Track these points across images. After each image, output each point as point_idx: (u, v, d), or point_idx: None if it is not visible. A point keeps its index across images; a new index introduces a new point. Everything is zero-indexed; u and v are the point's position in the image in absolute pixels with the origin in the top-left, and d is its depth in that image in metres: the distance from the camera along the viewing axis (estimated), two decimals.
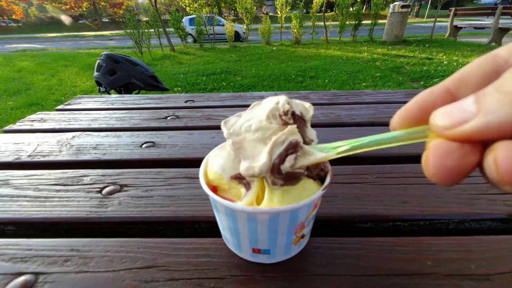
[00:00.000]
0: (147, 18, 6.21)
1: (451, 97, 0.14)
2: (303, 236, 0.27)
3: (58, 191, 0.39)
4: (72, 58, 5.88)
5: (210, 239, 0.30)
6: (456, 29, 6.75)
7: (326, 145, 0.21)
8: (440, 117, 0.13)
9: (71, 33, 15.31)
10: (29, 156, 0.49)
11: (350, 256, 0.28)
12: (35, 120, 0.66)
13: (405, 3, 6.18)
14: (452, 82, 0.14)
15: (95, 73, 1.97)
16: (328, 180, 0.24)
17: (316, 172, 0.24)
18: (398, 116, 0.16)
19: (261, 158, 0.21)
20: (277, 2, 6.60)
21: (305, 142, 0.22)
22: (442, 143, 0.13)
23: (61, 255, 0.29)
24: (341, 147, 0.20)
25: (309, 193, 0.23)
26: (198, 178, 0.25)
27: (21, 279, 0.26)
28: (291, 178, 0.22)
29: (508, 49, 0.14)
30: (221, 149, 0.28)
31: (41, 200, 0.37)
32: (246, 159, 0.22)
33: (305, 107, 0.25)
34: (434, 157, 0.13)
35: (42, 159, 0.48)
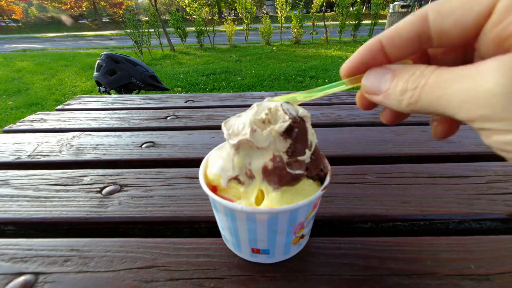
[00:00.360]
0: (147, 18, 6.21)
1: (382, 55, 0.18)
2: (302, 236, 0.27)
3: (58, 191, 0.39)
4: (72, 58, 5.88)
5: (210, 239, 0.30)
6: None
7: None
8: (366, 84, 0.19)
9: (71, 33, 15.31)
10: (29, 156, 0.49)
11: (350, 256, 0.28)
12: (35, 120, 0.66)
13: (405, 3, 6.17)
14: (386, 39, 0.18)
15: (95, 73, 1.96)
16: (327, 180, 0.24)
17: (316, 172, 0.24)
18: (345, 68, 0.20)
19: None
20: (277, 2, 6.60)
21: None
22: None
23: (61, 255, 0.29)
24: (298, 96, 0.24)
25: (308, 194, 0.23)
26: (198, 178, 0.26)
27: (21, 279, 0.26)
28: (289, 180, 0.22)
29: (436, 10, 0.15)
30: (220, 149, 0.27)
31: (41, 200, 0.37)
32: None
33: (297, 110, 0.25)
34: (359, 97, 0.22)
35: (42, 159, 0.48)
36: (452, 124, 0.20)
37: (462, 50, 0.19)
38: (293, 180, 0.22)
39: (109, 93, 1.93)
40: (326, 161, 0.26)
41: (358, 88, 0.21)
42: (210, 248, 0.29)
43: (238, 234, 0.25)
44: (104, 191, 0.38)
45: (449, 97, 0.14)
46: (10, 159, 0.48)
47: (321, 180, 0.25)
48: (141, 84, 1.98)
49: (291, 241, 0.26)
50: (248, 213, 0.22)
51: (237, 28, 7.61)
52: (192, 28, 6.74)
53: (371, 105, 0.21)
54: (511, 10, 0.13)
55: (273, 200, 0.22)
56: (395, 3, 6.25)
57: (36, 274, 0.27)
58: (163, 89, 2.11)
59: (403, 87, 0.16)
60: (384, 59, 0.18)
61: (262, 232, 0.24)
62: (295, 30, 6.68)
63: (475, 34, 0.15)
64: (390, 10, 6.30)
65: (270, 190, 0.22)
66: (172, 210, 0.34)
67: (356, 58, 0.19)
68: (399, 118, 0.22)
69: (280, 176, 0.22)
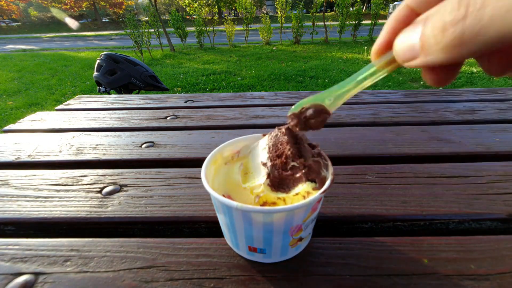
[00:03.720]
0: (147, 18, 6.21)
1: (414, 15, 0.15)
2: (300, 239, 0.26)
3: (58, 191, 0.39)
4: (72, 58, 5.88)
5: (210, 239, 0.30)
6: None
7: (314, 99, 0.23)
8: (398, 52, 0.15)
9: (71, 33, 15.30)
10: (29, 156, 0.49)
11: (350, 256, 0.28)
12: (35, 120, 0.66)
13: None
14: (414, 1, 0.15)
15: (95, 73, 1.96)
16: (327, 184, 0.24)
17: (315, 176, 0.24)
18: (375, 48, 0.18)
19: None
20: (277, 2, 6.60)
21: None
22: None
23: (61, 255, 0.29)
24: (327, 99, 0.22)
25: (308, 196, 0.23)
26: (198, 178, 0.26)
27: (21, 279, 0.26)
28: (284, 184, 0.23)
29: None
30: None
31: (41, 200, 0.37)
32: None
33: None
34: (423, 74, 0.17)
35: (42, 159, 0.48)
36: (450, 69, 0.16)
37: None
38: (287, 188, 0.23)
39: (109, 93, 1.93)
40: (330, 165, 0.26)
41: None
42: (210, 248, 0.29)
43: (236, 232, 0.26)
44: (104, 191, 0.38)
45: None
46: (10, 159, 0.48)
47: (323, 184, 0.25)
48: (141, 84, 1.98)
49: (288, 243, 0.26)
50: (244, 211, 0.22)
51: (237, 28, 7.61)
52: (192, 28, 6.74)
53: (441, 79, 0.16)
54: None
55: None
56: (395, 3, 6.26)
57: (36, 274, 0.27)
58: (163, 89, 2.11)
59: (440, 23, 0.12)
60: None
61: (258, 231, 0.24)
62: (295, 30, 6.68)
63: None
64: (390, 10, 6.30)
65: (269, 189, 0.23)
66: (172, 210, 0.34)
67: (386, 32, 0.16)
68: (450, 74, 0.16)
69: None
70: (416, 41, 0.13)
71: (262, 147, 0.28)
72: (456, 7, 0.11)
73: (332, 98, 0.22)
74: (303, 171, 0.24)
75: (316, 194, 0.23)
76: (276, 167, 0.25)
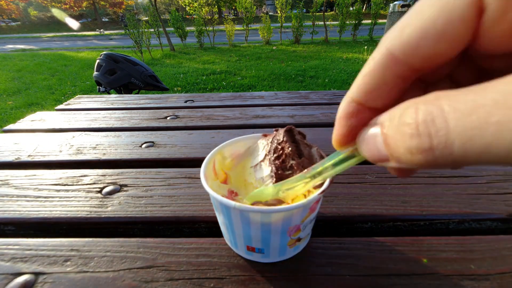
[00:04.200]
0: (147, 18, 6.20)
1: (364, 110, 0.15)
2: (299, 239, 0.26)
3: (58, 191, 0.39)
4: (72, 58, 5.88)
5: (210, 239, 0.30)
6: None
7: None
8: (364, 151, 0.14)
9: (71, 33, 15.29)
10: (29, 156, 0.49)
11: (350, 256, 0.28)
12: (35, 120, 0.66)
13: (405, 3, 6.16)
14: (360, 96, 0.14)
15: (95, 73, 1.96)
16: (326, 185, 0.23)
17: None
18: (337, 142, 0.16)
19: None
20: (277, 2, 6.60)
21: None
22: None
23: (61, 255, 0.29)
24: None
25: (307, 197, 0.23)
26: (198, 178, 0.26)
27: (21, 279, 0.26)
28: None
29: (400, 45, 0.12)
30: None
31: (41, 200, 0.37)
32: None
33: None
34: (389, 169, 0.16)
35: (42, 159, 0.48)
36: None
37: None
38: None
39: (108, 93, 1.93)
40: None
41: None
42: (210, 248, 0.29)
43: (234, 231, 0.26)
44: (104, 191, 0.38)
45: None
46: (10, 159, 0.48)
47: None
48: (141, 84, 1.98)
49: (287, 243, 0.26)
50: (242, 211, 0.23)
51: (237, 27, 7.61)
52: (192, 28, 6.74)
53: (407, 171, 0.16)
54: None
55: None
56: (395, 2, 6.24)
57: (36, 274, 0.27)
58: (163, 89, 2.11)
59: (404, 147, 0.11)
60: (369, 114, 0.14)
61: (256, 231, 0.24)
62: (295, 30, 6.68)
63: (469, 39, 0.11)
64: (390, 9, 6.29)
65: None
66: (172, 210, 0.34)
67: (340, 127, 0.16)
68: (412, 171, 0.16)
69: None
70: (381, 145, 0.12)
71: (261, 148, 0.28)
72: (415, 133, 0.10)
73: (285, 190, 0.23)
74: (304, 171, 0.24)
75: (314, 194, 0.23)
76: (276, 167, 0.25)
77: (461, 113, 0.09)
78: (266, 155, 0.26)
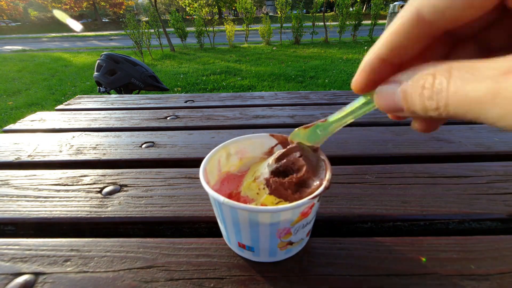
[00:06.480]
0: (147, 18, 6.21)
1: (387, 67, 0.16)
2: (291, 243, 0.26)
3: (58, 191, 0.39)
4: (72, 58, 5.88)
5: (210, 239, 0.30)
6: None
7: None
8: (381, 104, 0.16)
9: (71, 33, 15.30)
10: (29, 156, 0.49)
11: (350, 256, 0.28)
12: (35, 120, 0.66)
13: (405, 3, 6.16)
14: (385, 53, 0.16)
15: (95, 73, 1.97)
16: (319, 190, 0.23)
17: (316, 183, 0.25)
18: (357, 88, 0.18)
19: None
20: (277, 2, 6.60)
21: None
22: None
23: (61, 255, 0.29)
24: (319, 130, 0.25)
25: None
26: (198, 178, 0.26)
27: (21, 279, 0.26)
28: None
29: (429, 4, 0.13)
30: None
31: (41, 200, 0.37)
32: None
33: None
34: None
35: (42, 159, 0.48)
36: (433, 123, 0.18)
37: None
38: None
39: (109, 93, 1.93)
40: (328, 171, 0.25)
41: None
42: (210, 248, 0.29)
43: (226, 226, 0.26)
44: (104, 191, 0.38)
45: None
46: (10, 159, 0.48)
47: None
48: (141, 84, 1.98)
49: (277, 245, 0.25)
50: (231, 208, 0.23)
51: (237, 28, 7.61)
52: (192, 28, 6.74)
53: (429, 128, 0.18)
54: None
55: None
56: (395, 3, 6.25)
57: (36, 274, 0.27)
58: (163, 89, 2.11)
59: (421, 105, 0.13)
60: (391, 69, 0.16)
61: (245, 228, 0.24)
62: (295, 30, 6.68)
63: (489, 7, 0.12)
64: (390, 10, 6.30)
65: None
66: (172, 210, 0.34)
67: (361, 77, 0.17)
68: (436, 125, 0.19)
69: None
70: (399, 99, 0.15)
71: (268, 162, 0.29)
72: (429, 96, 0.13)
73: (323, 129, 0.24)
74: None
75: (305, 199, 0.22)
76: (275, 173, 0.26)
77: (463, 80, 0.11)
78: (270, 164, 0.28)
